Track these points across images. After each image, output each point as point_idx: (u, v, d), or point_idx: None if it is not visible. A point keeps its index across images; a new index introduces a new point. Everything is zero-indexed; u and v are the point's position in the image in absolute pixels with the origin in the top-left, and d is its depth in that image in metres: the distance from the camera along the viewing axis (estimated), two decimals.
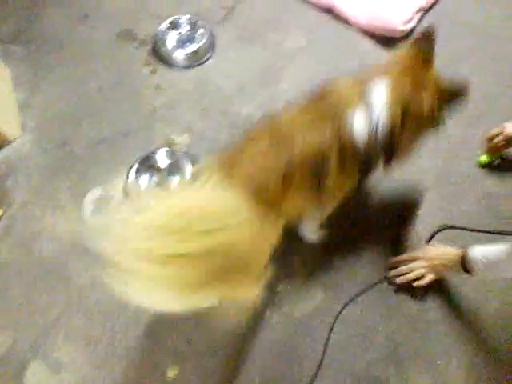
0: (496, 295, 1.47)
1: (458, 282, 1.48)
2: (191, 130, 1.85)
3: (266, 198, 1.12)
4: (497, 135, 1.59)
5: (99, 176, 1.76)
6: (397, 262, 1.49)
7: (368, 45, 2.04)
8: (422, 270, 1.40)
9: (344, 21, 2.14)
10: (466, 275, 1.26)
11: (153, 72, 2.02)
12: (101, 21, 2.20)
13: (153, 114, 1.89)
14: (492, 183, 1.68)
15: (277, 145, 1.16)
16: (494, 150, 1.64)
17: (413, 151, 1.32)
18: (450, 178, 1.70)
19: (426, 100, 1.18)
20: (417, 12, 2.10)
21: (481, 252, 1.21)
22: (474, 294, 1.46)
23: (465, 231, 1.55)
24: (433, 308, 1.46)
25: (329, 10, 2.18)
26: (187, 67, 2.02)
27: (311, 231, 1.56)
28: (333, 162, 1.19)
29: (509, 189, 1.67)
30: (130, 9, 2.23)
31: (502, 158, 1.70)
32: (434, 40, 1.21)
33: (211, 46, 2.07)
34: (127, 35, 2.13)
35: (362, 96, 1.19)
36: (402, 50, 1.24)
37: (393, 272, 1.48)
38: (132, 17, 2.20)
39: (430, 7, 2.20)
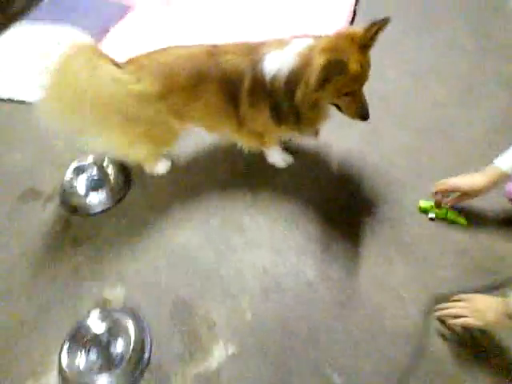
0: None
1: None
2: (124, 280, 1.60)
3: (177, 94, 1.51)
4: (446, 192, 1.58)
5: (26, 371, 1.42)
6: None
7: None
8: (464, 311, 1.31)
9: None
10: None
11: (66, 226, 1.79)
12: None
13: (75, 274, 1.63)
14: (460, 238, 1.57)
15: (209, 57, 1.48)
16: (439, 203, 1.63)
17: (322, 115, 1.51)
18: (416, 243, 1.58)
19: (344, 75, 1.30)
20: None
21: None
22: None
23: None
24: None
25: None
26: (106, 209, 1.82)
27: (273, 158, 1.87)
28: (245, 86, 1.46)
29: (478, 240, 1.57)
30: (28, 165, 2.04)
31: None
32: (381, 29, 1.32)
33: (127, 180, 1.91)
34: (30, 195, 1.92)
35: (283, 45, 1.44)
36: (352, 28, 1.37)
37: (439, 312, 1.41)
38: (32, 173, 2.00)
39: None
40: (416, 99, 2.14)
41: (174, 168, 1.96)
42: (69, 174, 1.89)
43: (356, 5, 2.73)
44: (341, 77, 1.31)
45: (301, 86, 1.39)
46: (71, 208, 1.83)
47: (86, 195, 1.83)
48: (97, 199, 1.82)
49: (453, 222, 1.63)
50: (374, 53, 1.34)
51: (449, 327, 1.38)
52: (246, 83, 1.46)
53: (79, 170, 1.92)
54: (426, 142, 1.92)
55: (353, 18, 2.63)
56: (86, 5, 2.81)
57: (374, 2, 2.76)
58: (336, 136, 1.96)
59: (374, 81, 1.38)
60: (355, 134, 1.97)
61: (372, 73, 1.35)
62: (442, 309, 1.40)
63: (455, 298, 1.39)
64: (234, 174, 1.91)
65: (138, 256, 1.67)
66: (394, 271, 1.54)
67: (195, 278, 1.59)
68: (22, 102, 2.30)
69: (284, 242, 1.67)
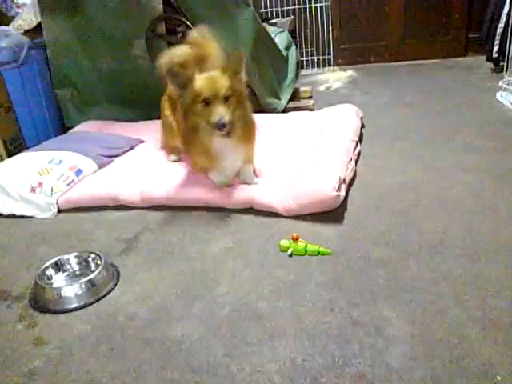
0: None
1: None
2: None
3: None
4: None
5: None
6: None
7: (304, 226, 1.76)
8: None
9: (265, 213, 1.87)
10: None
11: (31, 326, 1.38)
12: None
13: (29, 380, 1.17)
14: None
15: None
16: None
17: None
18: None
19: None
20: (340, 183, 1.89)
21: None
22: None
23: None
24: None
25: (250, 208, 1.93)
26: (81, 307, 1.43)
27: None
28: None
29: None
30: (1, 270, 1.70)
31: None
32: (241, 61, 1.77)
33: (112, 275, 1.56)
34: None
35: None
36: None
37: None
38: (4, 276, 1.65)
39: (351, 182, 2.05)
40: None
41: (174, 261, 1.63)
42: (44, 267, 1.56)
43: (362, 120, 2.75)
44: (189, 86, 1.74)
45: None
46: (41, 305, 1.45)
47: (60, 289, 1.46)
48: (72, 293, 1.45)
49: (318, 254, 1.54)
50: None
51: None
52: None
53: (57, 264, 1.59)
54: None
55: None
56: (97, 138, 2.76)
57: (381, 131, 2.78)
58: None
59: None
60: None
61: None
62: None
63: None
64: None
65: (116, 357, 1.22)
66: None
67: (196, 377, 1.12)
68: (22, 217, 2.10)
69: (316, 328, 1.24)
